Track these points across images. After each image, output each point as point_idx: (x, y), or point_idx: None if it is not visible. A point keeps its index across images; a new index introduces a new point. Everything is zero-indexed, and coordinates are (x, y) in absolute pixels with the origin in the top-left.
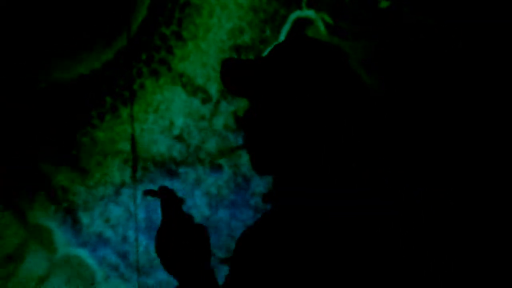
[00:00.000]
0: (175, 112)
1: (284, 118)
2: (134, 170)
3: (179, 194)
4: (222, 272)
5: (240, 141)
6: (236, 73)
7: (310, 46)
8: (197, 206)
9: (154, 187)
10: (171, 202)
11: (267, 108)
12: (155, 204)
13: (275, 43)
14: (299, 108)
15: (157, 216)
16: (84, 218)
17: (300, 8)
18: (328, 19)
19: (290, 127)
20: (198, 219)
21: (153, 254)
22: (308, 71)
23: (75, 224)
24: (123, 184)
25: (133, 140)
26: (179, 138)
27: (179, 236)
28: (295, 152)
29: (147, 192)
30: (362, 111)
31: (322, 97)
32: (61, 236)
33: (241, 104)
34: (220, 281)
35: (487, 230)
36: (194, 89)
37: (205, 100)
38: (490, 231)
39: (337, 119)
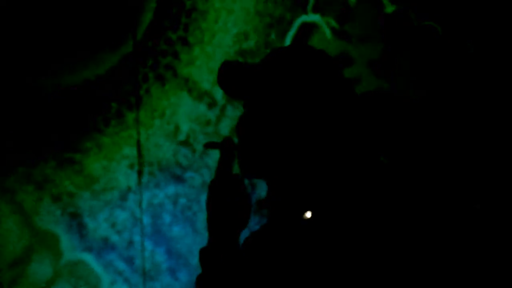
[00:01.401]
0: (181, 117)
1: (278, 123)
2: (140, 175)
3: (185, 199)
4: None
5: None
6: (233, 76)
7: (305, 52)
8: (203, 211)
9: (160, 193)
10: (228, 159)
11: (262, 113)
12: (161, 209)
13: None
14: (292, 113)
15: (163, 221)
16: (90, 223)
17: (305, 12)
18: (334, 23)
19: (283, 131)
20: (204, 224)
21: (159, 258)
22: (300, 77)
23: (81, 229)
24: (128, 189)
25: (138, 145)
26: (185, 143)
27: (225, 195)
28: (289, 156)
29: (209, 145)
30: (352, 117)
31: (314, 102)
32: (66, 241)
33: None
34: None
35: (487, 230)
36: (200, 94)
37: (211, 105)
38: (490, 231)
39: (330, 124)
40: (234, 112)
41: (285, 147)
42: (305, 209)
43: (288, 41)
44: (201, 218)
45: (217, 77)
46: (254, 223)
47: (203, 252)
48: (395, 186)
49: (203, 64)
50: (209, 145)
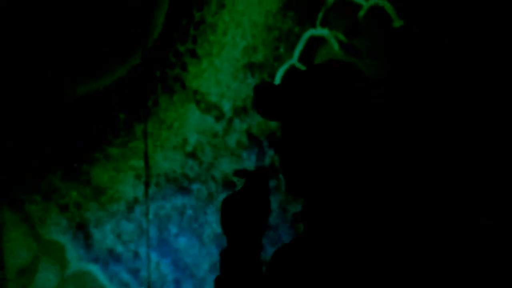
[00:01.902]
0: (188, 129)
1: (316, 138)
2: (147, 187)
3: (192, 211)
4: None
5: (253, 158)
6: (269, 98)
7: (338, 69)
8: (210, 223)
9: (167, 204)
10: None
11: (300, 130)
12: (167, 221)
13: (289, 61)
14: (333, 131)
15: (169, 232)
16: (96, 234)
17: (314, 26)
18: (342, 37)
19: (325, 149)
20: (210, 236)
21: (165, 270)
22: (339, 95)
23: (87, 240)
24: (135, 201)
25: (146, 157)
26: (192, 155)
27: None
28: (327, 171)
29: (237, 173)
30: (379, 130)
31: (353, 120)
32: (73, 251)
33: (254, 121)
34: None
35: (487, 230)
36: (207, 107)
37: (219, 117)
38: (490, 231)
39: (364, 139)
40: (241, 125)
41: (327, 163)
42: (342, 223)
43: (296, 54)
44: (208, 230)
45: (253, 101)
46: (289, 237)
47: (223, 254)
48: (396, 187)
49: (211, 76)
50: (238, 174)
